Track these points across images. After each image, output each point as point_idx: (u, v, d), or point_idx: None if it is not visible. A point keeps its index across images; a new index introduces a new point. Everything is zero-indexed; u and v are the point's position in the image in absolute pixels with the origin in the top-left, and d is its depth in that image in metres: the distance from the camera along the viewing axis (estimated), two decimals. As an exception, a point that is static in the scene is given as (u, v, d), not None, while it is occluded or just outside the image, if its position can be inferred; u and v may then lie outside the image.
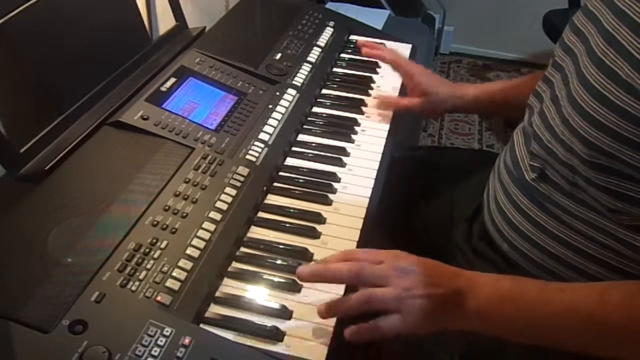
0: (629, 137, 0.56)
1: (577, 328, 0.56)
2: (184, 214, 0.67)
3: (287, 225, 0.72)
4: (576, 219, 0.65)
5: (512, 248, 0.73)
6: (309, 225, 0.72)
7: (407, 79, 0.97)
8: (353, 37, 1.20)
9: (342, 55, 1.13)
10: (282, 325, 0.59)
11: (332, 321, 0.60)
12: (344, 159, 0.85)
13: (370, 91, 1.02)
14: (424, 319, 0.56)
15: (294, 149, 0.86)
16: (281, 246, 0.69)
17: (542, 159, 0.68)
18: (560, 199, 0.66)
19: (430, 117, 2.08)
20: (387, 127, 0.94)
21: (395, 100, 1.00)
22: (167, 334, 0.54)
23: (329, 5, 1.66)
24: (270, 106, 0.90)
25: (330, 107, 0.97)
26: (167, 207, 0.67)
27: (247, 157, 0.79)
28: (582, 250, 0.66)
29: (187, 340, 0.54)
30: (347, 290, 0.63)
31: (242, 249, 0.69)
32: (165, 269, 0.60)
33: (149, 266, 0.60)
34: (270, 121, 0.87)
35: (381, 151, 0.88)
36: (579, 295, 0.57)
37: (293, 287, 0.63)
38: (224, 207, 0.70)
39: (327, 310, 0.59)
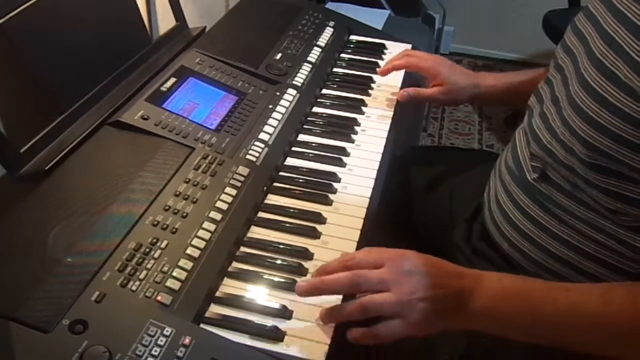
0: (628, 138, 0.56)
1: (580, 327, 0.56)
2: (184, 214, 0.67)
3: (287, 225, 0.72)
4: (576, 219, 0.65)
5: (513, 247, 0.73)
6: (309, 225, 0.72)
7: (426, 73, 0.97)
8: (353, 37, 1.20)
9: (342, 55, 1.13)
10: (282, 325, 0.59)
11: (332, 320, 0.60)
12: (344, 159, 0.85)
13: (370, 91, 1.02)
14: (427, 321, 0.56)
15: (294, 149, 0.87)
16: (281, 246, 0.69)
17: (542, 160, 0.68)
18: (561, 199, 0.66)
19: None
20: (387, 127, 0.94)
21: (414, 91, 0.98)
22: (167, 333, 0.54)
23: (329, 5, 1.66)
24: (271, 106, 0.90)
25: (330, 107, 0.97)
26: (167, 207, 0.67)
27: (247, 157, 0.79)
28: (582, 250, 0.66)
29: (187, 340, 0.54)
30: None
31: (242, 249, 0.69)
32: (165, 268, 0.61)
33: (149, 266, 0.60)
34: (271, 121, 0.87)
35: (381, 151, 0.88)
36: (583, 294, 0.57)
37: (293, 287, 0.63)
38: (224, 207, 0.70)
39: (327, 317, 0.59)
